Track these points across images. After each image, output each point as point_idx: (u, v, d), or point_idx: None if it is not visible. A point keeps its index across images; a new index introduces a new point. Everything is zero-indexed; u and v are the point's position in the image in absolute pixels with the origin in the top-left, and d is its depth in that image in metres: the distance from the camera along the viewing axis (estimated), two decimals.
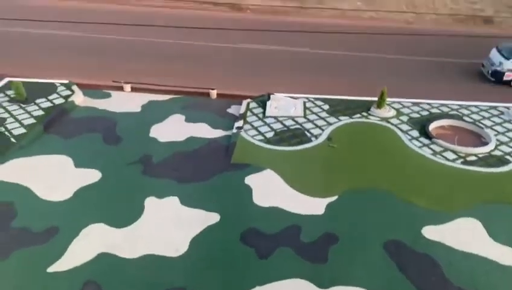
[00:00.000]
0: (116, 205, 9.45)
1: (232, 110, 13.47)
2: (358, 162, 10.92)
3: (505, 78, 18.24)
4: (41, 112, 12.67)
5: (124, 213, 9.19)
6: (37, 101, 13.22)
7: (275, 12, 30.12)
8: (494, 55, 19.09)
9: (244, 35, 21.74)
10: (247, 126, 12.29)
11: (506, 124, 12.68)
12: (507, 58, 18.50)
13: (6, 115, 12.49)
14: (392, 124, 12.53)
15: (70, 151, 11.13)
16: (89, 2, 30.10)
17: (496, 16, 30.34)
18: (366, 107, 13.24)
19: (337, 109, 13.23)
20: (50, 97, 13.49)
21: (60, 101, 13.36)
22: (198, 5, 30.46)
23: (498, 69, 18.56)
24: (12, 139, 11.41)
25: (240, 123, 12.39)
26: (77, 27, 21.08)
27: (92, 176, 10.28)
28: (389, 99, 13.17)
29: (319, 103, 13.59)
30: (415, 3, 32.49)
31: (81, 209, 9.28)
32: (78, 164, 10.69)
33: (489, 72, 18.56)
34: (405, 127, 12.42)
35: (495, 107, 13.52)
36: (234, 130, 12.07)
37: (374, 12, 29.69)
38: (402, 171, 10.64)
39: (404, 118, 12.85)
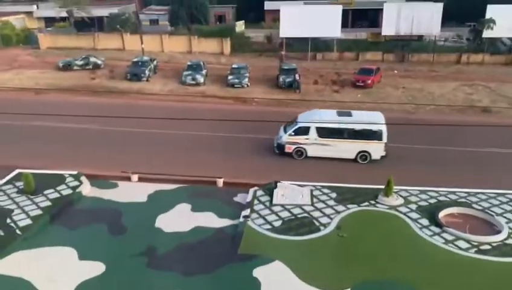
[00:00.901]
0: None
1: (239, 198, 13.41)
2: (369, 252, 10.59)
3: (286, 150, 21.05)
4: (48, 203, 12.66)
5: None
6: (45, 192, 13.28)
7: (279, 104, 31.35)
8: (280, 130, 21.79)
9: (251, 125, 22.44)
10: (254, 215, 12.15)
11: None
12: (285, 132, 21.18)
13: (13, 206, 12.47)
14: (401, 212, 12.35)
15: (74, 243, 10.92)
16: (99, 97, 31.63)
17: (493, 106, 31.35)
18: (373, 195, 13.16)
19: (345, 197, 13.15)
20: (58, 188, 13.56)
21: (68, 191, 13.42)
22: (203, 98, 31.86)
23: (279, 142, 21.34)
24: (18, 231, 11.27)
25: (246, 212, 12.26)
26: (88, 120, 21.90)
27: (96, 268, 9.97)
28: (396, 187, 13.14)
29: (326, 190, 13.55)
30: (415, 96, 33.84)
31: None
32: (82, 256, 10.43)
33: (275, 145, 21.56)
34: (414, 215, 12.22)
35: (503, 194, 13.39)
36: (241, 219, 11.90)
37: (374, 104, 30.81)
38: (414, 261, 10.27)
39: (413, 206, 12.69)
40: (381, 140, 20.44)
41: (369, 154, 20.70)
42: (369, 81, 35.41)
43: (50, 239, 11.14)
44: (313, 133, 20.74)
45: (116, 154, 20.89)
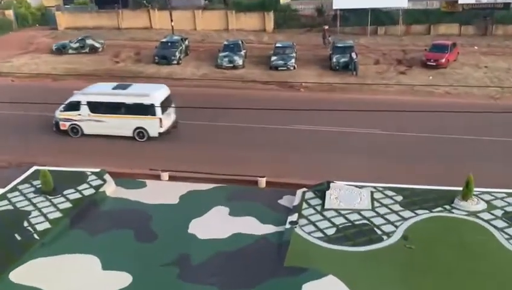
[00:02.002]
0: None
1: (285, 201, 13.44)
2: (443, 269, 10.36)
3: (61, 128, 21.64)
4: (68, 205, 13.19)
5: None
6: (65, 192, 13.84)
7: (332, 89, 31.01)
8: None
9: (299, 115, 22.35)
10: (302, 221, 12.14)
11: None
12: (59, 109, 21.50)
13: (30, 207, 13.10)
14: (483, 219, 12.00)
15: (97, 250, 11.32)
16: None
17: None
18: (448, 198, 12.85)
19: (413, 200, 12.91)
20: (79, 187, 14.11)
21: (90, 191, 13.93)
22: (242, 84, 31.99)
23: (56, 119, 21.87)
24: (35, 235, 11.82)
25: (294, 217, 12.27)
26: None
27: (121, 280, 10.30)
28: (476, 189, 12.75)
29: (389, 193, 13.34)
30: (500, 77, 32.50)
31: None
32: (105, 266, 10.80)
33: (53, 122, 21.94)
34: (500, 223, 11.83)
35: None
36: (287, 226, 11.94)
37: (450, 87, 29.86)
38: (501, 280, 9.94)
39: (498, 213, 12.28)
40: (154, 115, 20.59)
41: (146, 131, 20.93)
42: (443, 60, 34.34)
43: (70, 246, 11.61)
44: (84, 108, 21.14)
45: (142, 149, 21.39)
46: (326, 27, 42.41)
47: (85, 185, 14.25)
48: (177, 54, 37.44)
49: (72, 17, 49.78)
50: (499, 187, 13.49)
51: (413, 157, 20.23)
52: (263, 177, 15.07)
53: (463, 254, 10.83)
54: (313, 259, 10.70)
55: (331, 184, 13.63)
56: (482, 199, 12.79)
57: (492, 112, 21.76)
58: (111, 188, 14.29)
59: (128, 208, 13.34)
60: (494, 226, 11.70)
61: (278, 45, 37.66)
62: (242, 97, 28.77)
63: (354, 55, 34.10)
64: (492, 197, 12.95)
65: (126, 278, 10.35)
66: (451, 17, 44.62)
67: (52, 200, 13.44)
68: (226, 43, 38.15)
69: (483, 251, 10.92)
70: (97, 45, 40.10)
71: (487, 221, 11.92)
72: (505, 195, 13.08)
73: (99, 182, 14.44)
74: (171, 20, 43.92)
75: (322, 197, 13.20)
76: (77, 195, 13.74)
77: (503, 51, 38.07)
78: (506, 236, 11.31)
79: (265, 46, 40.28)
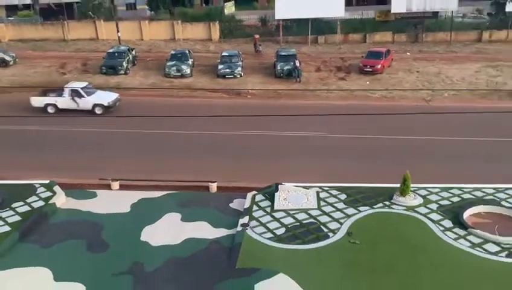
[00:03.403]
0: None
1: (235, 204, 13.40)
2: (386, 262, 10.59)
3: None
4: (17, 218, 12.60)
5: None
6: (14, 205, 13.22)
7: (278, 96, 31.34)
8: None
9: (246, 121, 22.43)
10: (253, 223, 12.15)
11: None
12: None
13: None
14: (420, 213, 12.39)
15: (49, 262, 10.87)
16: None
17: None
18: (388, 195, 13.19)
19: (355, 198, 13.18)
20: (28, 200, 13.51)
21: (40, 204, 13.37)
22: (190, 92, 31.78)
23: None
24: None
25: (245, 219, 12.26)
26: (56, 122, 21.89)
27: None
28: (413, 185, 13.18)
29: (334, 192, 13.57)
30: (431, 81, 33.89)
31: None
32: (58, 277, 10.39)
33: None
34: (435, 216, 12.26)
35: None
36: (239, 228, 11.90)
37: (385, 91, 30.86)
38: (438, 270, 10.28)
39: (433, 206, 12.73)
40: None
41: None
42: (379, 66, 35.49)
43: (20, 259, 11.08)
44: None
45: (91, 159, 20.81)
46: (257, 36, 42.97)
47: (34, 198, 13.66)
48: (125, 64, 36.76)
49: (17, 29, 47.88)
50: (433, 183, 13.99)
51: (355, 158, 20.76)
52: (214, 182, 15.01)
53: (403, 246, 11.10)
54: (264, 259, 10.70)
55: (280, 186, 13.72)
56: (418, 194, 13.20)
57: (424, 113, 22.69)
58: (61, 200, 13.77)
59: (79, 219, 12.90)
60: (430, 219, 12.11)
61: (224, 53, 37.69)
62: (190, 105, 28.56)
63: (297, 62, 34.68)
64: (428, 192, 13.41)
65: (79, 289, 10.00)
66: (385, 26, 46.27)
67: (0, 214, 12.80)
68: (173, 52, 37.80)
69: (421, 243, 11.26)
70: (7, 58, 38.42)
71: (424, 215, 12.32)
72: (439, 190, 13.58)
73: (48, 193, 13.89)
74: (118, 31, 43.07)
75: (271, 199, 13.26)
76: (26, 208, 13.14)
77: (433, 56, 39.82)
78: (442, 228, 11.74)
79: (212, 55, 40.27)
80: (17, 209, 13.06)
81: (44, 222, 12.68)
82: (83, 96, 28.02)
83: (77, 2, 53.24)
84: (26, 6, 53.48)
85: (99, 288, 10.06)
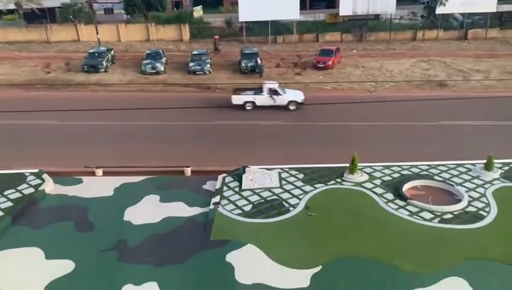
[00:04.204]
0: None
1: (208, 186, 13.32)
2: (339, 230, 10.80)
3: None
4: (9, 204, 12.17)
5: None
6: (5, 192, 12.75)
7: None
8: None
9: (215, 112, 22.29)
10: (224, 201, 12.14)
11: (475, 180, 13.01)
12: None
13: None
14: (366, 188, 12.64)
15: (40, 243, 10.57)
16: (52, 91, 30.48)
17: (449, 80, 32.42)
18: (339, 173, 13.39)
19: (312, 177, 13.32)
20: (19, 187, 13.06)
21: (30, 190, 12.94)
22: (164, 87, 31.25)
23: None
24: None
25: (216, 199, 12.23)
26: (43, 115, 21.13)
27: (65, 267, 9.70)
28: (360, 164, 13.41)
29: (293, 172, 13.67)
30: (374, 74, 34.45)
31: None
32: (49, 256, 10.12)
33: None
34: (379, 190, 12.53)
35: (462, 165, 13.94)
36: (211, 207, 11.86)
37: (336, 84, 31.20)
38: (383, 236, 10.56)
39: (377, 182, 13.00)
40: None
41: None
42: (330, 62, 35.81)
43: (13, 241, 10.73)
44: None
45: (78, 149, 20.26)
46: (217, 37, 42.71)
47: (24, 185, 13.21)
48: (104, 62, 35.87)
49: (2, 32, 45.74)
50: (377, 162, 14.29)
51: (310, 142, 20.95)
52: (188, 167, 14.86)
53: (354, 217, 11.34)
54: (234, 232, 10.73)
55: (246, 169, 13.72)
56: (364, 172, 13.46)
57: (369, 102, 23.07)
58: (50, 186, 13.36)
59: (67, 203, 12.56)
60: (375, 193, 12.39)
61: (194, 52, 37.26)
62: (165, 99, 28.10)
63: (259, 60, 34.60)
64: (372, 170, 13.68)
65: (69, 265, 9.77)
66: (334, 27, 46.64)
67: None
68: (148, 52, 37.14)
69: (368, 213, 11.52)
70: None
71: (369, 189, 12.58)
72: (382, 167, 13.88)
73: (38, 181, 13.46)
74: (97, 33, 41.82)
75: (239, 180, 13.26)
76: (17, 194, 12.70)
77: (376, 53, 40.47)
78: (385, 200, 12.03)
79: (183, 54, 39.70)
80: (9, 196, 12.62)
81: (34, 207, 12.30)
82: (280, 94, 27.54)
83: (59, 7, 51.22)
84: (11, 11, 51.03)
85: (88, 264, 9.86)
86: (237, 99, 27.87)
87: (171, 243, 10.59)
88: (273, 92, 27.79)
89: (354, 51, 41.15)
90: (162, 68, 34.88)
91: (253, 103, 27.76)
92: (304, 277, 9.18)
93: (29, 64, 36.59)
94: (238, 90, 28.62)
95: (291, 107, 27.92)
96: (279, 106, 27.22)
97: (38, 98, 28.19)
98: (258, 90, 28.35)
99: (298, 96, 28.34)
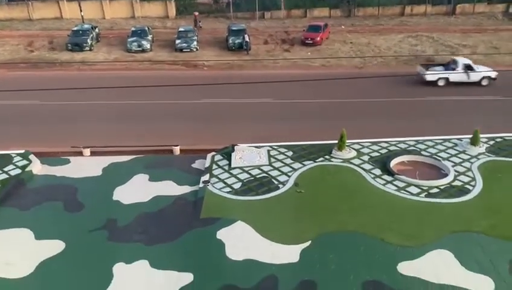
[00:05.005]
0: (83, 275, 8.90)
1: (197, 164, 13.32)
2: (327, 206, 10.93)
3: None
4: None
5: (92, 283, 8.65)
6: None
7: (230, 67, 30.92)
8: None
9: (204, 90, 22.09)
10: (213, 179, 12.16)
11: (461, 155, 13.20)
12: None
13: None
14: (354, 164, 12.75)
15: (29, 223, 10.52)
16: (37, 70, 29.87)
17: (436, 55, 32.47)
18: (328, 150, 13.46)
19: (300, 154, 13.38)
20: (5, 169, 12.90)
21: (17, 171, 12.80)
22: (151, 65, 30.83)
23: None
24: None
25: (206, 177, 12.24)
26: (28, 95, 20.75)
27: (55, 247, 9.70)
28: (348, 141, 13.48)
29: (282, 150, 13.71)
30: (362, 50, 34.32)
31: (44, 284, 8.67)
32: (38, 236, 10.10)
33: None
34: (367, 166, 12.66)
35: (449, 140, 14.11)
36: (201, 185, 11.88)
37: (324, 60, 31.04)
38: (371, 210, 10.72)
39: (365, 158, 13.12)
40: None
41: None
42: (318, 38, 35.55)
43: (2, 222, 10.67)
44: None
45: (64, 129, 20.01)
46: (197, 13, 41.94)
47: (11, 166, 13.06)
48: (89, 40, 35.12)
49: None
50: (365, 138, 14.38)
51: (298, 119, 20.94)
52: (177, 145, 14.81)
53: (342, 193, 11.47)
54: (224, 210, 10.79)
55: (235, 147, 13.72)
56: (353, 148, 13.56)
57: (357, 78, 23.04)
58: (37, 167, 13.23)
59: (55, 183, 12.47)
60: (363, 169, 12.52)
61: (180, 29, 36.66)
62: (152, 77, 27.77)
63: (246, 37, 34.20)
64: (361, 147, 13.79)
65: (59, 245, 9.77)
66: (323, 2, 46.16)
67: None
68: (133, 29, 36.41)
69: (356, 188, 11.66)
70: None
71: (358, 165, 12.70)
72: (369, 144, 13.99)
73: (24, 162, 13.30)
74: (81, 10, 40.83)
75: (229, 158, 13.26)
76: (4, 176, 12.56)
77: (364, 29, 40.23)
78: (373, 175, 12.17)
79: (169, 31, 39.03)
80: None
81: (22, 188, 12.19)
82: (473, 70, 26.87)
83: None
84: None
85: (78, 243, 9.87)
86: (431, 76, 26.67)
87: (161, 222, 10.62)
88: (467, 68, 26.98)
89: (343, 27, 40.85)
90: (148, 46, 34.30)
91: (447, 79, 26.83)
92: (294, 252, 9.32)
93: (12, 43, 35.68)
94: (426, 66, 27.87)
95: (484, 83, 27.08)
96: (472, 82, 26.73)
97: (23, 78, 27.62)
98: (448, 66, 27.48)
99: (491, 71, 27.21)
